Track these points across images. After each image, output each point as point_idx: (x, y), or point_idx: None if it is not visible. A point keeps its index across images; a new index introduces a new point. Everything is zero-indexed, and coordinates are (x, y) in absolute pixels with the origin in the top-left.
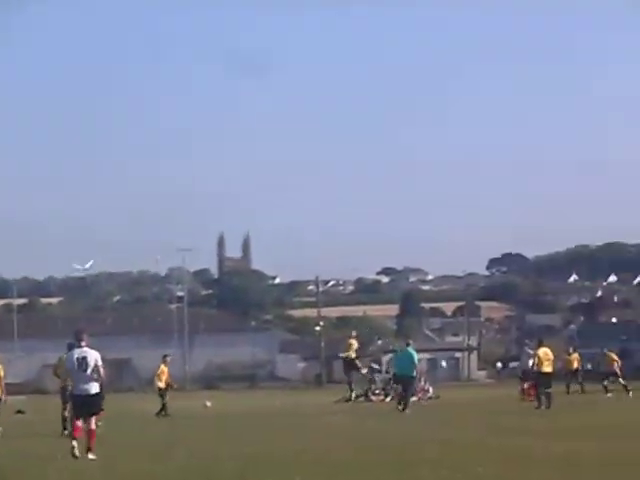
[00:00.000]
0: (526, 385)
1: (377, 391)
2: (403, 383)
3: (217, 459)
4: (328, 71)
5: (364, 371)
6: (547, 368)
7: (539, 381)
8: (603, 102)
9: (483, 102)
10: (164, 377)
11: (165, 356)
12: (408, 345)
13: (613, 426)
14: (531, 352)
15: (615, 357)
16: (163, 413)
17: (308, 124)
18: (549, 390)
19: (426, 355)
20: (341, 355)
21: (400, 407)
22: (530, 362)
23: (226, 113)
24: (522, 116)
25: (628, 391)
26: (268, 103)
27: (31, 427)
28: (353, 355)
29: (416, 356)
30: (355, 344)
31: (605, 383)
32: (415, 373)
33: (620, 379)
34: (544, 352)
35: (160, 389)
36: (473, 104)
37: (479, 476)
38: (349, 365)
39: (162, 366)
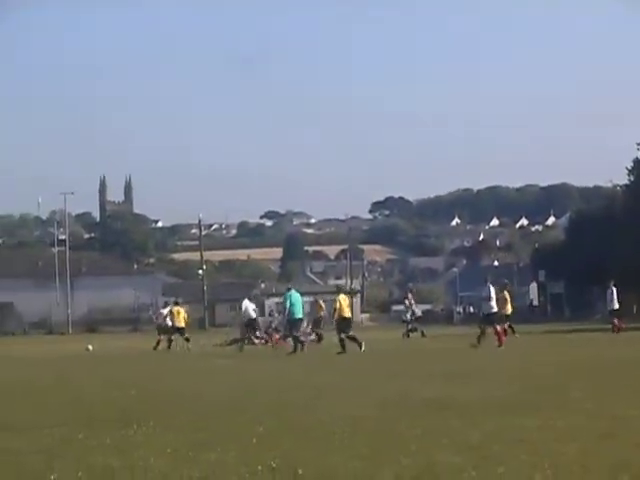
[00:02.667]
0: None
1: (258, 334)
2: (297, 325)
3: (98, 401)
4: None
5: None
6: (347, 314)
7: (340, 326)
8: None
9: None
10: None
11: None
12: (290, 289)
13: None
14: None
15: (508, 297)
16: None
17: None
18: (351, 334)
19: (309, 298)
20: None
21: (303, 350)
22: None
23: None
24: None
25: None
26: None
27: None
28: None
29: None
30: None
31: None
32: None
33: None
34: (343, 298)
35: None
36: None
37: (355, 419)
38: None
39: None
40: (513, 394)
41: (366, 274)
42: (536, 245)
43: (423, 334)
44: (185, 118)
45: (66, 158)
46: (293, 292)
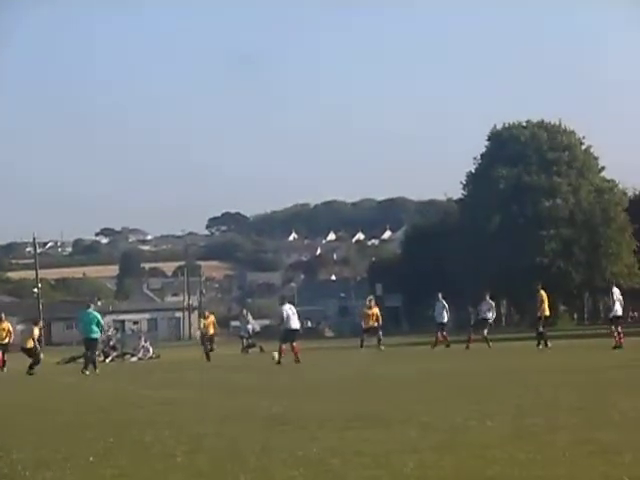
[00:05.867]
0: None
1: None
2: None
3: None
4: None
5: None
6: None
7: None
8: None
9: None
10: None
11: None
12: (89, 307)
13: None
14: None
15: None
16: None
17: None
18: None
19: (146, 315)
20: None
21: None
22: None
23: None
24: None
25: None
26: None
27: None
28: None
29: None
30: None
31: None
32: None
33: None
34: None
35: None
36: None
37: (196, 436)
38: None
39: None
40: (353, 407)
41: (204, 290)
42: (373, 259)
43: (262, 349)
44: (19, 135)
45: None
46: (88, 311)
